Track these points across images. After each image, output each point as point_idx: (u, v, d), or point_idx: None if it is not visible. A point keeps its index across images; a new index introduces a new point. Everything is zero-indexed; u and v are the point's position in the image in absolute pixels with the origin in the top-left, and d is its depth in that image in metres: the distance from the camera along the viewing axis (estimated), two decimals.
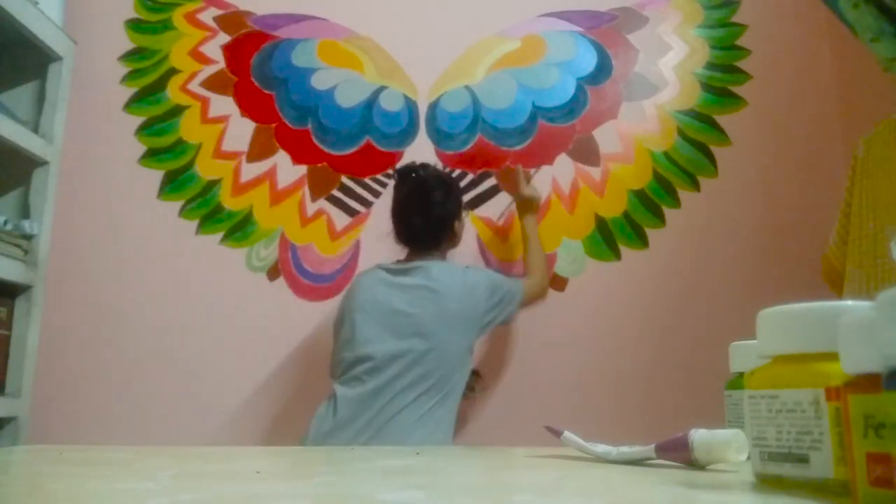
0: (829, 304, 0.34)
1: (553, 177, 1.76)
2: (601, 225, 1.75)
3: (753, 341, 0.47)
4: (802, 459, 0.32)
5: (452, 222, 1.46)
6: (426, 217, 1.43)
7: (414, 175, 1.48)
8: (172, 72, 1.84)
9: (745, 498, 0.34)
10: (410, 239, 1.45)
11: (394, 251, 1.66)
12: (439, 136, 1.80)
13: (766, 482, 0.35)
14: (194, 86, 1.84)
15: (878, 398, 0.25)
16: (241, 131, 1.80)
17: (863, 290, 1.15)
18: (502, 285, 1.43)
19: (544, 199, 1.74)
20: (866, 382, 0.26)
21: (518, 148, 1.78)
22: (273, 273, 1.73)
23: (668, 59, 1.83)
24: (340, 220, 1.76)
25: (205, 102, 1.82)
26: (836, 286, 1.31)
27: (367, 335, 1.33)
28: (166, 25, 1.88)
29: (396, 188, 1.51)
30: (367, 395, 1.28)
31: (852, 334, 0.27)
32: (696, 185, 1.76)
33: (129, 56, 1.86)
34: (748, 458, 0.39)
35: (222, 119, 1.81)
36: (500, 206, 1.76)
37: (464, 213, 1.53)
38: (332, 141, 1.80)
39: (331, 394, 1.34)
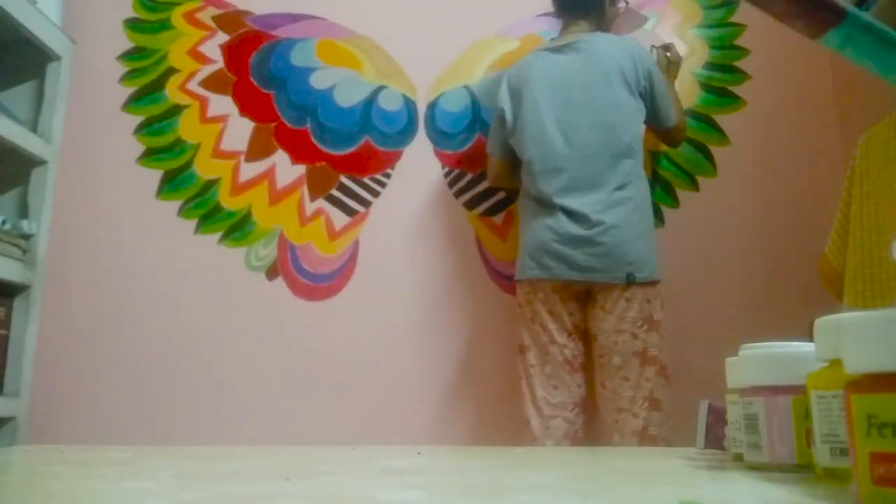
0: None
1: None
2: None
3: (746, 352, 0.47)
4: None
5: None
6: None
7: None
8: (171, 71, 1.84)
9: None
10: (564, 7, 1.61)
11: (395, 247, 1.67)
12: (438, 136, 1.80)
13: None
14: (193, 85, 1.83)
15: (882, 398, 0.25)
16: (239, 131, 1.80)
17: (865, 296, 1.14)
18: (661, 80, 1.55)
19: None
20: (869, 382, 0.26)
21: None
22: (272, 273, 1.73)
23: None
24: (339, 219, 1.76)
25: (203, 102, 1.82)
26: (832, 285, 1.30)
27: (551, 126, 1.47)
28: (165, 25, 1.88)
29: None
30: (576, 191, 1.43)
31: (855, 334, 0.27)
32: (695, 185, 1.76)
33: (127, 55, 1.85)
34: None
35: (221, 119, 1.81)
36: (499, 204, 1.76)
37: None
38: (331, 140, 1.80)
39: (532, 198, 1.49)
